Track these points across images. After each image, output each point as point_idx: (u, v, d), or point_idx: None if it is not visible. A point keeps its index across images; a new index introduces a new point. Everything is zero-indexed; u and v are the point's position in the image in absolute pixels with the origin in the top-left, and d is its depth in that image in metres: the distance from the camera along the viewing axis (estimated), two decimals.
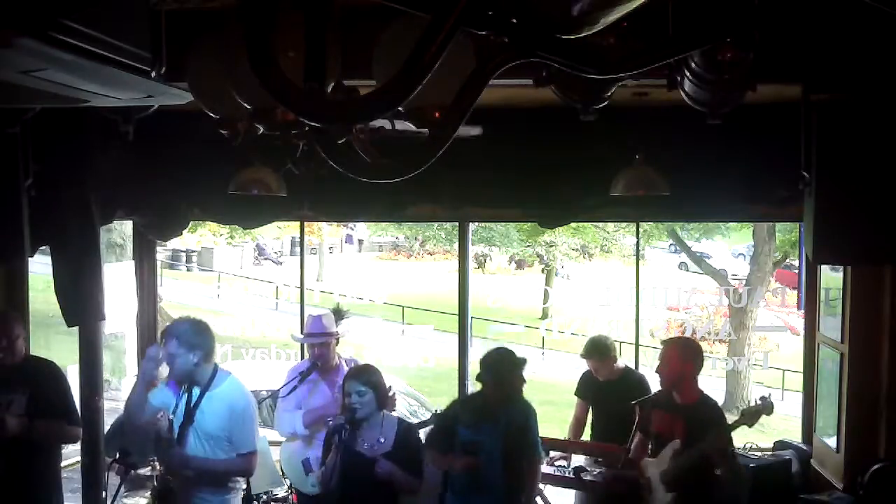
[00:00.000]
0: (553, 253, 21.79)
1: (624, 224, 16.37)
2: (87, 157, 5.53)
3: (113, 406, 9.82)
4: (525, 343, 17.31)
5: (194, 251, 27.23)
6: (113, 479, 4.79)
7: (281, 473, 5.87)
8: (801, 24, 4.12)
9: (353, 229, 30.74)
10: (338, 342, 5.79)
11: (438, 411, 5.87)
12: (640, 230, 9.82)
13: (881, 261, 5.23)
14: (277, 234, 28.72)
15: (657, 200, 5.71)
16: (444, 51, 1.60)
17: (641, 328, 8.29)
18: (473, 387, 5.83)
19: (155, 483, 4.69)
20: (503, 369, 5.11)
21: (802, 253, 7.54)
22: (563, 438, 6.49)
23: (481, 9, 1.68)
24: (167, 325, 4.94)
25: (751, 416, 4.97)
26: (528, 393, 5.44)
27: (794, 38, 4.11)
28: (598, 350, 6.26)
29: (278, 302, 18.89)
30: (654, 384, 6.01)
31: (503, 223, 18.11)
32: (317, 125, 1.95)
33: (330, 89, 2.05)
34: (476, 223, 15.73)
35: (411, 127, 2.05)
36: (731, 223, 17.38)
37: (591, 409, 6.48)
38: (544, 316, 18.05)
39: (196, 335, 4.71)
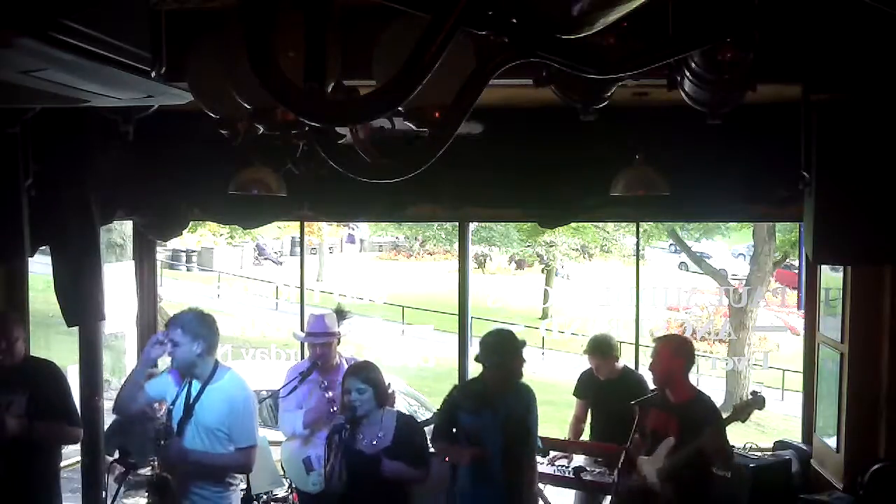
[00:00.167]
0: (553, 253, 21.79)
1: (624, 224, 16.35)
2: (87, 157, 5.53)
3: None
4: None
5: (194, 251, 27.23)
6: (113, 479, 4.80)
7: (282, 473, 5.88)
8: (801, 24, 4.12)
9: (354, 229, 30.74)
10: (339, 342, 5.80)
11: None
12: (640, 230, 9.81)
13: (881, 261, 5.23)
14: (277, 234, 28.72)
15: (657, 200, 5.71)
16: (444, 51, 1.60)
17: (641, 328, 8.30)
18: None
19: (153, 478, 4.67)
20: (504, 350, 5.10)
21: (802, 253, 7.54)
22: (563, 438, 6.50)
23: (481, 9, 1.68)
24: (174, 316, 4.90)
25: (742, 412, 4.98)
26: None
27: (794, 38, 4.11)
28: (601, 348, 6.27)
29: (278, 302, 18.89)
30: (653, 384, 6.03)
31: (503, 223, 18.11)
32: (317, 125, 1.95)
33: (330, 89, 2.05)
34: (476, 223, 15.73)
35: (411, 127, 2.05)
36: (731, 223, 17.38)
37: (590, 409, 6.49)
38: (544, 316, 18.06)
39: (201, 326, 4.71)
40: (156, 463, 4.75)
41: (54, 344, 10.63)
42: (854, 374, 5.57)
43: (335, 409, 5.30)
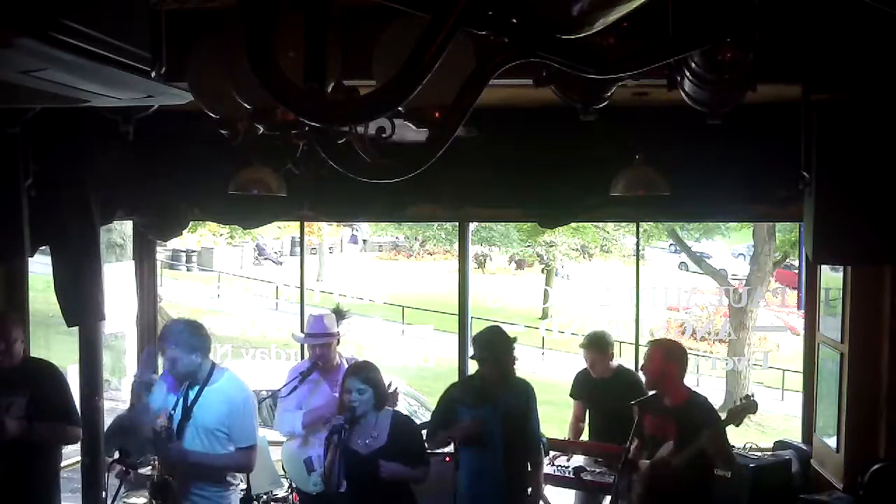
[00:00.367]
0: (553, 253, 21.78)
1: (624, 224, 16.33)
2: (87, 157, 5.53)
3: (113, 406, 9.83)
4: (525, 343, 17.28)
5: (194, 251, 27.21)
6: (113, 480, 4.80)
7: (282, 473, 5.87)
8: (801, 24, 4.12)
9: (358, 230, 30.75)
10: (339, 342, 5.80)
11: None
12: (640, 230, 9.81)
13: (881, 261, 5.22)
14: (277, 234, 28.70)
15: (657, 200, 5.71)
16: (444, 51, 1.60)
17: (641, 328, 8.29)
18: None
19: (154, 479, 4.69)
20: (497, 344, 5.22)
21: (802, 253, 7.53)
22: (563, 438, 6.49)
23: (481, 9, 1.68)
24: (163, 330, 4.95)
25: (735, 416, 4.99)
26: None
27: (794, 38, 4.11)
28: (597, 344, 6.27)
29: (278, 302, 18.88)
30: None
31: (503, 223, 18.09)
32: (317, 125, 1.95)
33: (330, 89, 2.05)
34: (476, 223, 15.73)
35: (411, 127, 2.05)
36: (731, 223, 17.36)
37: (587, 409, 6.49)
38: (544, 316, 18.06)
39: (193, 336, 4.78)
40: (156, 463, 4.76)
41: (54, 344, 10.63)
42: (854, 374, 5.57)
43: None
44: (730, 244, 27.72)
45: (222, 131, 2.54)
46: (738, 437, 5.71)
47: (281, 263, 28.21)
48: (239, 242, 26.80)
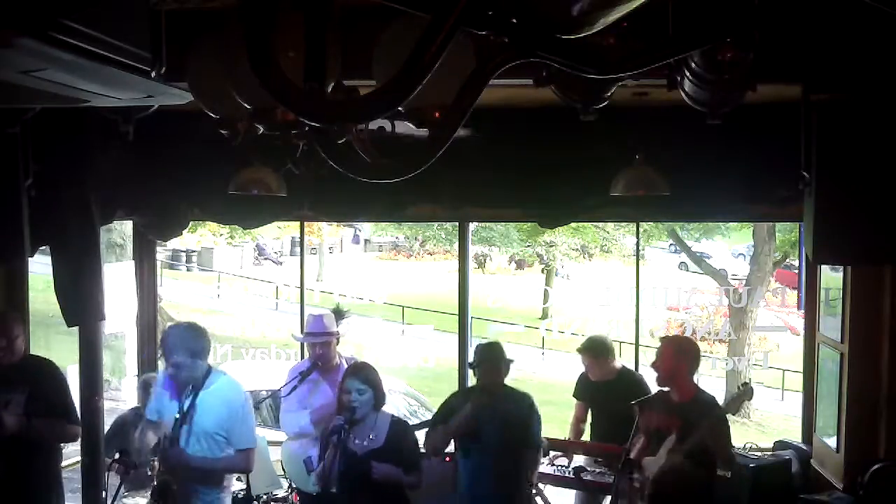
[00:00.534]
0: (553, 253, 21.77)
1: (624, 224, 16.33)
2: (87, 157, 5.53)
3: (113, 406, 9.83)
4: (525, 343, 17.32)
5: (194, 251, 27.21)
6: (113, 479, 4.81)
7: (282, 473, 5.88)
8: (801, 24, 4.12)
9: (360, 230, 30.74)
10: (338, 342, 5.80)
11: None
12: (640, 230, 9.81)
13: (881, 261, 5.22)
14: (277, 234, 28.70)
15: (657, 200, 5.71)
16: (444, 51, 1.60)
17: (641, 328, 8.28)
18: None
19: (154, 482, 4.70)
20: (495, 353, 5.34)
21: (802, 253, 7.54)
22: (563, 438, 6.49)
23: (481, 9, 1.68)
24: (166, 336, 4.94)
25: (733, 404, 5.00)
26: (529, 393, 5.51)
27: (794, 38, 4.11)
28: (592, 348, 6.28)
29: (278, 302, 18.87)
30: (651, 383, 6.03)
31: (503, 223, 18.08)
32: (317, 125, 1.95)
33: (330, 89, 2.05)
34: (476, 223, 15.72)
35: (412, 127, 2.05)
36: (731, 223, 17.36)
37: (590, 411, 6.49)
38: (544, 316, 18.04)
39: (198, 341, 4.82)
40: (156, 464, 4.76)
41: (54, 344, 10.62)
42: (854, 374, 5.57)
43: None
44: (730, 244, 27.72)
45: (222, 131, 2.54)
46: (738, 437, 5.73)
47: (281, 263, 28.21)
48: (239, 242, 26.79)
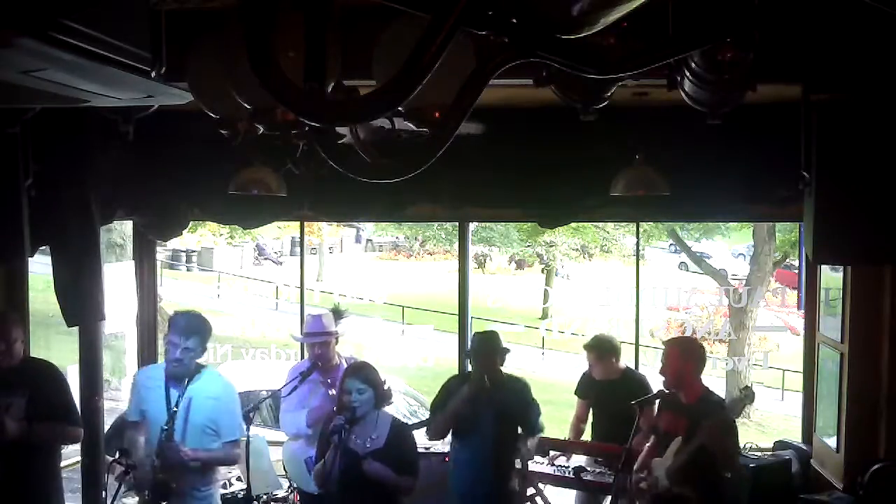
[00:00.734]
0: (553, 253, 21.77)
1: (624, 224, 16.32)
2: (87, 157, 5.53)
3: (113, 406, 9.83)
4: (525, 343, 17.30)
5: (194, 251, 27.21)
6: (113, 480, 4.81)
7: (282, 473, 5.88)
8: (801, 24, 4.12)
9: (363, 229, 30.74)
10: (337, 341, 5.80)
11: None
12: (640, 230, 9.81)
13: (881, 261, 5.22)
14: (277, 234, 28.69)
15: (657, 200, 5.71)
16: (444, 51, 1.60)
17: (641, 328, 8.29)
18: None
19: (155, 483, 4.72)
20: (491, 342, 5.44)
21: (802, 253, 7.53)
22: (563, 438, 6.49)
23: (481, 9, 1.67)
24: (181, 319, 5.00)
25: (734, 407, 5.00)
26: None
27: (794, 38, 4.11)
28: (598, 346, 6.27)
29: (278, 302, 18.88)
30: (655, 384, 6.02)
31: (503, 223, 18.09)
32: (317, 125, 1.95)
33: (330, 89, 2.05)
34: (476, 223, 15.72)
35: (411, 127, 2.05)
36: (731, 223, 17.36)
37: (591, 410, 6.48)
38: (544, 316, 18.05)
39: (207, 327, 5.00)
40: (156, 464, 4.77)
41: (54, 344, 10.62)
42: (854, 374, 5.57)
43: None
44: (730, 244, 27.71)
45: (222, 131, 2.54)
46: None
47: (281, 263, 28.21)
48: (239, 242, 26.78)
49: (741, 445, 6.07)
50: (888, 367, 5.46)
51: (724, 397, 5.81)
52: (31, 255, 5.32)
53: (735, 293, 14.33)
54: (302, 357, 6.48)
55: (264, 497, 5.66)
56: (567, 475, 6.05)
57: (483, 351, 5.37)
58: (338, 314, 5.87)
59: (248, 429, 4.97)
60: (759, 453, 6.24)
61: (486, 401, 5.22)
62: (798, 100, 4.61)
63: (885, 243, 4.79)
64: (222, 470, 5.71)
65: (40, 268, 6.61)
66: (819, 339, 6.14)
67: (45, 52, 1.90)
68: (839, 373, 5.69)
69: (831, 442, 5.82)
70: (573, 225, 15.47)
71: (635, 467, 5.15)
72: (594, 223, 17.60)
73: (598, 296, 13.62)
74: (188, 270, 26.97)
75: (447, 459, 5.64)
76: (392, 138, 2.17)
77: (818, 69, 4.38)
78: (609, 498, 5.48)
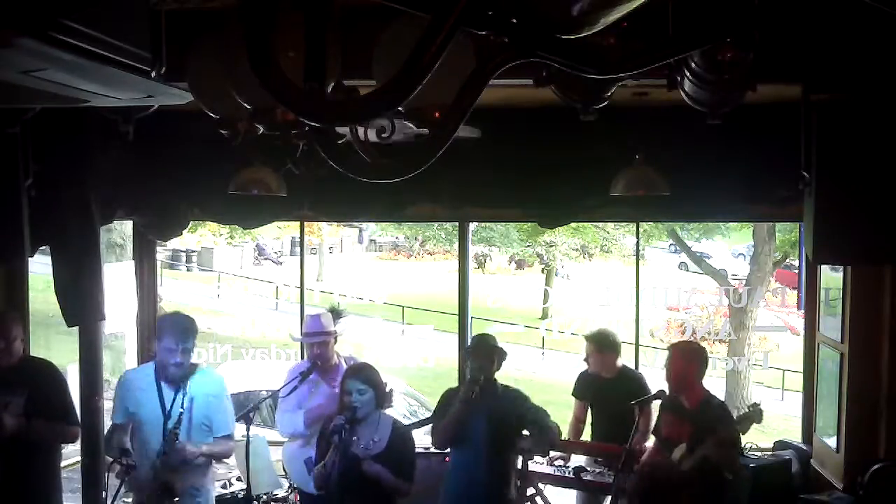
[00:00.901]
0: (553, 253, 21.77)
1: (624, 224, 16.32)
2: (87, 157, 5.53)
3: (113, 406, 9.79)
4: (525, 343, 17.31)
5: (194, 251, 27.20)
6: (113, 480, 4.82)
7: (282, 473, 5.87)
8: (801, 24, 4.12)
9: (365, 229, 30.73)
10: (336, 341, 5.79)
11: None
12: (640, 230, 9.81)
13: (881, 261, 5.22)
14: (277, 234, 28.68)
15: (657, 200, 5.71)
16: (444, 51, 1.60)
17: (641, 328, 8.29)
18: None
19: (158, 489, 4.75)
20: (488, 343, 5.43)
21: (802, 253, 7.54)
22: (563, 438, 6.49)
23: (481, 9, 1.67)
24: (177, 321, 5.04)
25: (740, 423, 5.02)
26: (528, 393, 5.52)
27: (794, 38, 4.11)
28: (600, 340, 6.26)
29: (278, 302, 18.88)
30: (653, 383, 6.03)
31: (503, 223, 18.09)
32: (317, 125, 1.95)
33: (330, 89, 2.05)
34: (476, 223, 15.71)
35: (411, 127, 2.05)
36: (731, 223, 17.36)
37: (590, 410, 6.48)
38: (544, 316, 18.04)
39: (196, 326, 5.05)
40: (157, 465, 4.78)
41: (54, 344, 10.62)
42: (854, 374, 5.57)
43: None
44: (730, 244, 27.71)
45: (222, 131, 2.54)
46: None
47: (281, 263, 28.20)
48: (239, 242, 26.78)
49: (742, 445, 6.09)
50: (888, 367, 5.46)
51: (721, 395, 5.82)
52: (31, 255, 5.33)
53: (735, 293, 14.32)
54: (302, 357, 6.47)
55: (264, 497, 5.66)
56: (567, 475, 6.05)
57: (479, 354, 5.35)
58: (336, 314, 5.87)
59: (248, 429, 4.98)
60: (759, 453, 6.25)
61: (478, 406, 5.20)
62: (798, 100, 4.61)
63: (885, 243, 4.79)
64: (222, 470, 5.73)
65: (40, 268, 6.61)
66: (819, 339, 6.14)
67: (45, 52, 1.90)
68: (839, 373, 5.69)
69: (831, 442, 5.82)
70: (573, 225, 15.47)
71: (636, 468, 5.14)
72: (594, 223, 17.60)
73: (598, 296, 13.62)
74: (188, 270, 26.96)
75: (447, 460, 5.64)
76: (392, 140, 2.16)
77: (818, 69, 4.38)
78: (609, 498, 5.48)
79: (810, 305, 6.47)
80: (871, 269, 5.47)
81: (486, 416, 5.20)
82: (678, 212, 6.84)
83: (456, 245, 9.69)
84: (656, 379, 6.35)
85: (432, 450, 5.87)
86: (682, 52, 2.50)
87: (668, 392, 5.17)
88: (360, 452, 4.67)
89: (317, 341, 5.64)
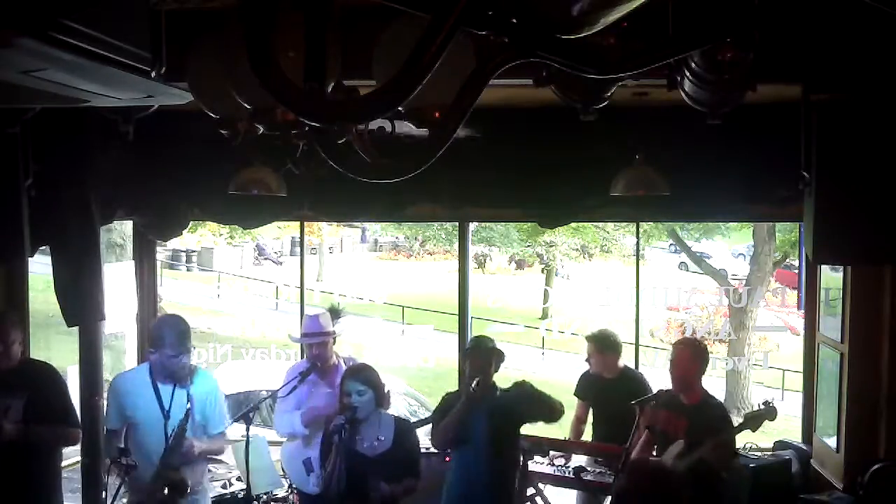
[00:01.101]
0: (553, 253, 21.76)
1: (624, 224, 16.32)
2: (87, 157, 5.53)
3: None
4: (525, 343, 17.31)
5: (194, 251, 27.19)
6: (113, 480, 4.82)
7: (282, 473, 5.87)
8: (801, 24, 4.12)
9: (367, 229, 30.72)
10: (335, 341, 5.79)
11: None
12: (640, 230, 9.81)
13: (881, 261, 5.22)
14: (277, 234, 28.67)
15: (657, 200, 5.71)
16: (444, 51, 1.60)
17: (641, 328, 8.29)
18: None
19: (166, 481, 4.77)
20: (486, 344, 5.43)
21: (802, 253, 7.53)
22: (563, 438, 6.49)
23: (481, 9, 1.68)
24: (177, 323, 5.03)
25: (753, 421, 5.02)
26: None
27: (794, 38, 4.11)
28: (601, 340, 6.26)
29: (278, 302, 18.87)
30: (654, 383, 6.03)
31: (503, 223, 18.08)
32: (317, 125, 1.95)
33: (330, 89, 2.05)
34: (476, 223, 15.71)
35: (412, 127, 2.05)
36: (731, 223, 17.36)
37: (591, 410, 6.48)
38: (544, 316, 18.04)
39: (189, 326, 5.04)
40: (159, 466, 4.77)
41: (54, 344, 10.62)
42: (854, 374, 5.57)
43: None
44: (730, 244, 27.70)
45: (222, 131, 2.54)
46: (738, 437, 5.72)
47: (281, 263, 28.19)
48: (239, 242, 26.77)
49: (742, 445, 6.09)
50: (888, 367, 5.46)
51: (722, 395, 5.83)
52: (31, 255, 5.32)
53: (735, 293, 14.32)
54: (302, 357, 6.47)
55: (264, 497, 5.66)
56: (567, 475, 6.05)
57: (477, 356, 5.35)
58: (335, 314, 5.85)
59: (248, 429, 4.98)
60: (759, 453, 6.24)
61: (479, 406, 5.20)
62: (798, 100, 4.61)
63: (885, 243, 4.79)
64: (222, 470, 5.73)
65: (40, 268, 6.61)
66: (819, 339, 6.14)
67: (45, 52, 1.90)
68: (839, 373, 5.69)
69: (831, 442, 5.82)
70: (573, 225, 15.47)
71: (628, 464, 5.15)
72: (594, 223, 17.59)
73: (598, 296, 13.60)
74: (188, 270, 26.95)
75: (448, 459, 5.64)
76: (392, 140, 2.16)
77: (818, 69, 4.38)
78: (609, 498, 5.48)
79: (810, 305, 6.47)
80: (871, 269, 5.47)
81: (486, 416, 5.21)
82: (678, 212, 6.84)
83: (456, 245, 9.70)
84: (657, 379, 6.35)
85: (432, 449, 5.87)
86: (682, 52, 2.51)
87: (673, 390, 5.17)
88: (367, 453, 4.68)
89: (315, 342, 5.63)
